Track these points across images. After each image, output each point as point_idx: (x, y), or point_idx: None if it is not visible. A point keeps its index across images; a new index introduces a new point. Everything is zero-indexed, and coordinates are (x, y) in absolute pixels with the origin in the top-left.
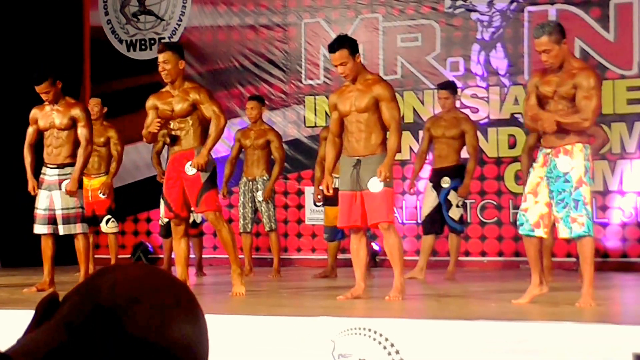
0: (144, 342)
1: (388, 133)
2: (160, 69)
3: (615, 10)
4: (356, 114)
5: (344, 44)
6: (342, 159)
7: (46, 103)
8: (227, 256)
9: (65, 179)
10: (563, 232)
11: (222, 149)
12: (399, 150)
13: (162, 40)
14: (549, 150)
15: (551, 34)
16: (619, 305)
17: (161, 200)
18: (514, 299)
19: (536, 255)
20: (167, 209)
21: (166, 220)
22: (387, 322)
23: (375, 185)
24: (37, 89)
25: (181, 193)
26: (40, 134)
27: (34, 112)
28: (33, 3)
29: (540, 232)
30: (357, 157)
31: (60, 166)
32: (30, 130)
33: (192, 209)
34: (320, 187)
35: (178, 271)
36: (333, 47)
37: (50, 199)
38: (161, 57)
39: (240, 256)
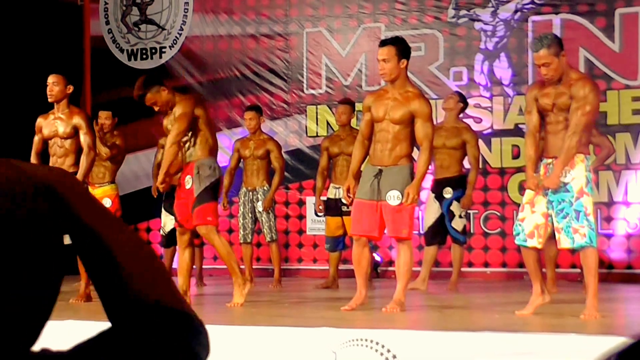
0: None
1: (420, 150)
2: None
3: (621, 20)
4: (388, 123)
5: (395, 42)
6: (365, 167)
7: (51, 112)
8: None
9: None
10: (564, 243)
11: (222, 159)
12: (428, 168)
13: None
14: (550, 160)
15: (550, 47)
16: (624, 317)
17: (162, 210)
18: (517, 310)
19: (535, 265)
20: (175, 219)
21: (167, 230)
22: (389, 333)
23: (393, 198)
24: (50, 77)
25: (187, 206)
26: (45, 143)
27: (39, 121)
28: (33, 12)
29: (534, 243)
30: (380, 167)
31: None
32: (36, 139)
33: None
34: (322, 198)
35: (180, 281)
36: (384, 42)
37: None
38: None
39: (241, 266)
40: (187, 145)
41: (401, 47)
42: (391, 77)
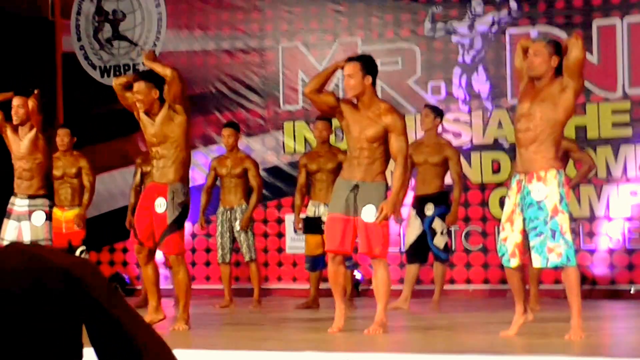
0: None
1: (395, 164)
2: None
3: (598, 32)
4: (363, 141)
5: (360, 59)
6: (337, 182)
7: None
8: (207, 287)
9: (35, 210)
10: (536, 262)
11: (199, 177)
12: (405, 184)
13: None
14: (522, 177)
15: (549, 43)
16: (609, 336)
17: None
18: (501, 330)
19: (519, 284)
20: (134, 234)
21: None
22: (372, 356)
23: (368, 214)
24: (15, 99)
25: (150, 225)
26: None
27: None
28: (3, 28)
29: (515, 262)
30: (356, 182)
31: (31, 197)
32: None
33: None
34: (302, 215)
35: (149, 298)
36: (350, 59)
37: (19, 230)
38: (137, 89)
39: (220, 287)
40: (159, 163)
41: (366, 64)
42: (355, 93)
